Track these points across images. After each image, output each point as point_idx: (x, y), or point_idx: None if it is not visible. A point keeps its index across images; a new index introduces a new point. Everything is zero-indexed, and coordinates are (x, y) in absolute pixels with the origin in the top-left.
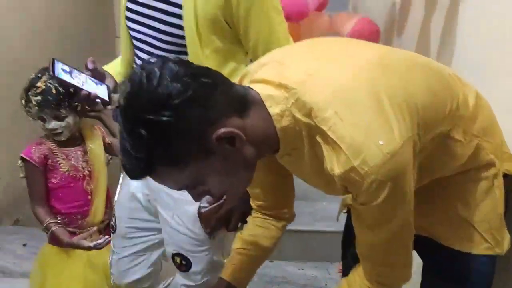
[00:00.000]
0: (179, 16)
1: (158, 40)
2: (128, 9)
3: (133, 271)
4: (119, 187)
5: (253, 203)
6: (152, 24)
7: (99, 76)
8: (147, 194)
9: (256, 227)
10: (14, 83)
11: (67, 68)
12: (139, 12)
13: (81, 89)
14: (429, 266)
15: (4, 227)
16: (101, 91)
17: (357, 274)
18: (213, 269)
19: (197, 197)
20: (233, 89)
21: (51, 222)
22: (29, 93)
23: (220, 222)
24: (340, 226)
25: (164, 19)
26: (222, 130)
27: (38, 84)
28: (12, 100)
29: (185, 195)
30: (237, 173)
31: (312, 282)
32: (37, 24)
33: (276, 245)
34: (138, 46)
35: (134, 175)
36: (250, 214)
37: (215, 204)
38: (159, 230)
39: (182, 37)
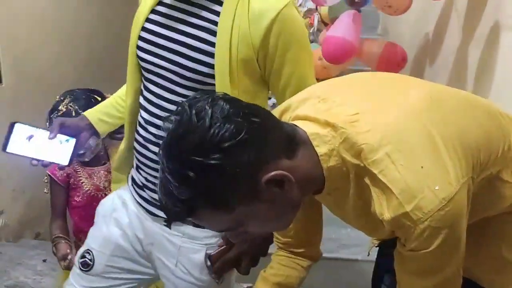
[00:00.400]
0: (210, 54)
1: (177, 75)
2: (142, 39)
3: None
4: (98, 217)
5: (279, 241)
6: (172, 58)
7: (70, 130)
8: (140, 238)
9: (282, 267)
10: (41, 99)
11: (28, 132)
12: (156, 43)
13: (32, 159)
14: None
15: (26, 241)
16: (63, 150)
17: None
18: None
19: (235, 238)
20: (281, 128)
21: (57, 237)
22: (51, 115)
23: (227, 265)
24: (364, 254)
25: (191, 55)
26: (272, 173)
27: (60, 107)
28: (39, 116)
29: (189, 243)
30: (283, 214)
31: None
32: (63, 42)
33: (300, 285)
34: (149, 78)
35: (174, 217)
36: (261, 256)
37: (223, 247)
38: (144, 274)
39: (207, 75)
